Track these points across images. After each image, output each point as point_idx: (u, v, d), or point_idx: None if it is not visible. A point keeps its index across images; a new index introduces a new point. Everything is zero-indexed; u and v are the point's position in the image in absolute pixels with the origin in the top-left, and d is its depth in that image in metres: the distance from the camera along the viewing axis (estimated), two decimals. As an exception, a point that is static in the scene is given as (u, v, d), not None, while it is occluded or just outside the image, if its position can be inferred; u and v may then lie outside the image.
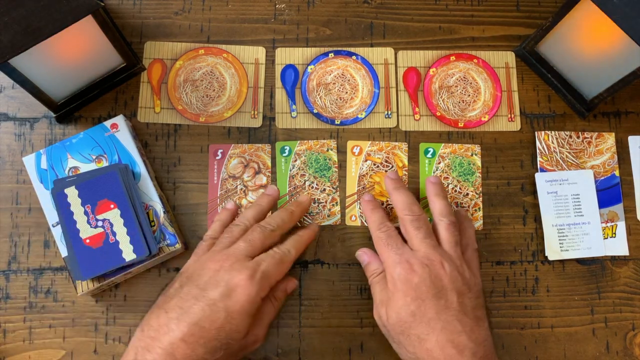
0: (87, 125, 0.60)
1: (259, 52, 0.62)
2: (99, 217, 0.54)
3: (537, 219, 0.60)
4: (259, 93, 0.62)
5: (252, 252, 0.50)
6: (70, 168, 0.56)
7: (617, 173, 0.61)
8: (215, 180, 0.59)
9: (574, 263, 0.59)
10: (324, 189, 0.59)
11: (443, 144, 0.60)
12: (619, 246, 0.59)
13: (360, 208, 0.58)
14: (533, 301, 0.58)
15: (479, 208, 0.59)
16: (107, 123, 0.57)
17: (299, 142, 0.59)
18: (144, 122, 0.60)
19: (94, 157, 0.56)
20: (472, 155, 0.60)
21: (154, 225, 0.55)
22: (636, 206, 0.60)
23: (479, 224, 0.59)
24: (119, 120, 0.57)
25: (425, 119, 0.61)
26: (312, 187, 0.59)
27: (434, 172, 0.59)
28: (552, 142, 0.61)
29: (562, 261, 0.59)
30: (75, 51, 0.54)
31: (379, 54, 0.63)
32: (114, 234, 0.53)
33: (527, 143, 0.61)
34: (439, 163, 0.60)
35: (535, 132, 0.61)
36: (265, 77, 0.62)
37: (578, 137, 0.61)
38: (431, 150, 0.60)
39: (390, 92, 0.62)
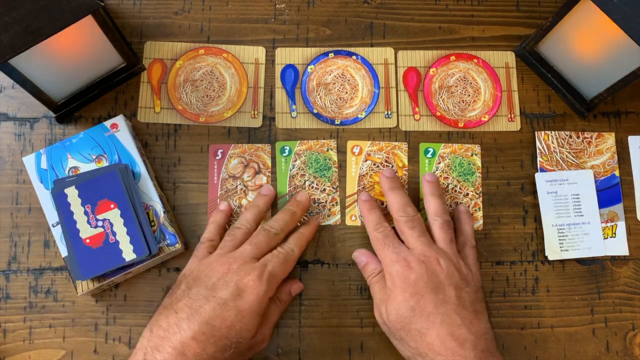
0: (87, 125, 0.60)
1: (259, 52, 0.62)
2: (99, 217, 0.54)
3: (537, 219, 0.60)
4: (259, 93, 0.62)
5: (258, 255, 0.51)
6: (70, 168, 0.56)
7: (617, 173, 0.61)
8: (215, 180, 0.59)
9: (574, 263, 0.59)
10: (324, 189, 0.59)
11: (443, 144, 0.60)
12: (619, 246, 0.59)
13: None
14: (533, 301, 0.58)
15: (479, 208, 0.59)
16: (107, 123, 0.57)
17: (299, 142, 0.59)
18: (144, 122, 0.60)
19: (94, 157, 0.56)
20: (472, 155, 0.60)
21: (154, 225, 0.55)
22: (636, 206, 0.60)
23: (479, 223, 0.59)
24: (119, 120, 0.57)
25: (425, 119, 0.61)
26: (312, 187, 0.59)
27: (433, 172, 0.60)
28: (552, 142, 0.61)
29: (562, 261, 0.59)
30: (75, 51, 0.54)
31: (379, 54, 0.63)
32: (114, 234, 0.53)
33: (527, 143, 0.61)
34: (439, 163, 0.60)
35: (535, 132, 0.61)
36: (265, 77, 0.62)
37: (578, 137, 0.61)
38: (431, 150, 0.60)
39: (390, 92, 0.62)
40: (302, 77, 0.62)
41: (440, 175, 0.59)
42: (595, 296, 0.58)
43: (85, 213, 0.54)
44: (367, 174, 0.59)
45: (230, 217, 0.58)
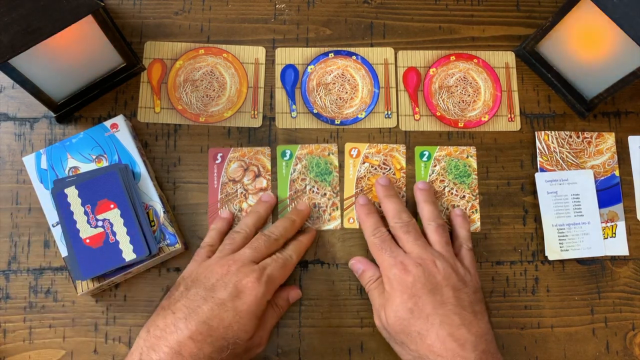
0: (87, 125, 0.60)
1: (259, 52, 0.62)
2: (99, 217, 0.54)
3: (537, 219, 0.60)
4: (259, 93, 0.62)
5: (257, 258, 0.52)
6: (70, 168, 0.56)
7: (617, 173, 0.61)
8: (215, 184, 0.59)
9: (574, 263, 0.59)
10: (325, 194, 0.58)
11: (438, 147, 0.60)
12: (619, 246, 0.59)
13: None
14: (533, 301, 0.58)
15: (476, 210, 0.59)
16: (107, 123, 0.57)
17: (300, 146, 0.59)
18: (144, 122, 0.60)
19: (94, 157, 0.56)
20: (467, 157, 0.60)
21: (154, 225, 0.55)
22: (636, 206, 0.60)
23: (476, 225, 0.59)
24: (119, 120, 0.57)
25: (425, 119, 0.61)
26: (313, 192, 0.59)
27: (429, 175, 0.59)
28: (552, 142, 0.61)
29: (562, 261, 0.59)
30: (75, 51, 0.54)
31: (379, 54, 0.63)
32: (114, 234, 0.53)
33: (527, 143, 0.61)
34: (435, 166, 0.59)
35: (535, 132, 0.61)
36: (265, 77, 0.62)
37: (578, 137, 0.61)
38: (426, 153, 0.60)
39: (390, 92, 0.62)
40: (302, 77, 0.62)
41: (437, 179, 0.59)
42: (595, 296, 0.58)
43: (85, 213, 0.54)
44: (365, 176, 0.59)
45: (233, 224, 0.58)
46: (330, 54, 0.63)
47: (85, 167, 0.56)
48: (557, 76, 0.61)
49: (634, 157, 0.61)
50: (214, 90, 0.61)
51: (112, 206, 0.54)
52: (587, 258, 0.59)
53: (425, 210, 0.55)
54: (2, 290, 0.56)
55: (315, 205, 0.58)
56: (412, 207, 0.58)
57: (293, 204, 0.58)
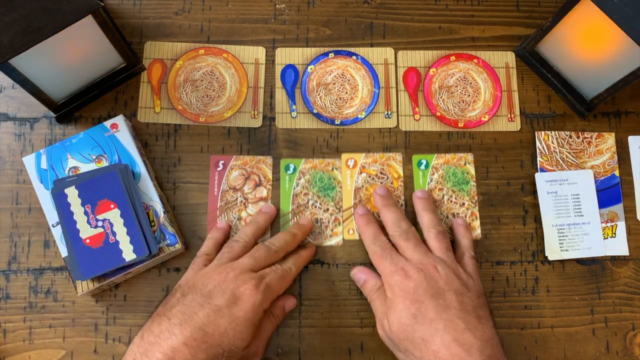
0: (87, 125, 0.60)
1: (259, 52, 0.62)
2: (99, 217, 0.54)
3: (537, 219, 0.60)
4: (259, 93, 0.62)
5: (256, 268, 0.51)
6: (70, 168, 0.56)
7: (617, 173, 0.61)
8: (215, 191, 0.58)
9: (574, 263, 0.59)
10: (327, 209, 0.58)
11: (436, 155, 0.60)
12: (619, 246, 0.59)
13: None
14: (533, 301, 0.58)
15: (476, 217, 0.59)
16: (107, 123, 0.57)
17: (303, 160, 0.59)
18: (144, 122, 0.60)
19: (94, 157, 0.56)
20: (465, 164, 0.60)
21: (154, 225, 0.55)
22: (636, 206, 0.60)
23: (476, 233, 0.59)
24: (119, 120, 0.57)
25: (425, 119, 0.61)
26: (315, 207, 0.58)
27: (428, 184, 0.59)
28: (552, 142, 0.61)
29: (562, 261, 0.59)
30: (75, 51, 0.54)
31: (379, 54, 0.63)
32: (114, 234, 0.53)
33: (527, 143, 0.61)
34: (433, 174, 0.59)
35: (535, 132, 0.61)
36: (265, 77, 0.62)
37: (578, 137, 0.61)
38: (424, 162, 0.59)
39: (390, 92, 0.62)
40: (302, 77, 0.62)
41: (435, 187, 0.59)
42: (595, 296, 0.58)
43: (85, 213, 0.54)
44: (362, 186, 0.59)
45: (229, 234, 0.58)
46: (330, 54, 0.63)
47: (85, 167, 0.56)
48: (557, 76, 0.61)
49: (634, 157, 0.61)
50: (214, 90, 0.61)
51: (112, 206, 0.54)
52: (587, 258, 0.59)
53: (425, 218, 0.55)
54: (2, 290, 0.56)
55: (317, 221, 0.58)
56: (411, 216, 0.58)
57: (295, 218, 0.58)
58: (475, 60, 0.63)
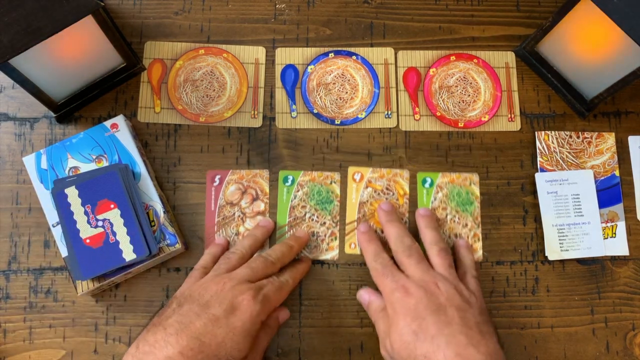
0: (87, 125, 0.60)
1: (259, 52, 0.62)
2: (99, 217, 0.54)
3: (537, 219, 0.60)
4: (259, 93, 0.62)
5: (254, 279, 0.51)
6: (70, 168, 0.56)
7: (617, 173, 0.61)
8: (212, 207, 0.58)
9: (574, 263, 0.59)
10: (324, 222, 0.58)
11: (441, 173, 0.59)
12: (619, 246, 0.59)
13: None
14: (533, 301, 0.58)
15: (479, 238, 0.58)
16: (107, 123, 0.57)
17: (302, 172, 0.59)
18: (144, 122, 0.60)
19: (94, 157, 0.56)
20: (470, 184, 0.59)
21: (154, 225, 0.55)
22: (636, 206, 0.60)
23: (479, 254, 0.58)
24: (119, 120, 0.57)
25: (425, 119, 0.61)
26: (312, 220, 0.58)
27: (432, 203, 0.59)
28: (552, 142, 0.61)
29: (562, 261, 0.59)
30: (75, 51, 0.54)
31: (379, 54, 0.63)
32: (114, 234, 0.53)
33: (527, 143, 0.61)
34: (437, 193, 0.59)
35: (535, 132, 0.61)
36: (265, 77, 0.62)
37: (578, 137, 0.61)
38: (429, 180, 0.59)
39: (390, 92, 0.62)
40: (302, 77, 0.62)
41: (439, 206, 0.58)
42: (595, 296, 0.58)
43: (85, 213, 0.54)
44: (367, 201, 0.58)
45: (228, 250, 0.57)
46: (330, 54, 0.63)
47: (85, 167, 0.56)
48: (557, 76, 0.61)
49: (634, 157, 0.61)
50: (214, 90, 0.61)
51: (112, 206, 0.54)
52: (587, 258, 0.59)
53: (428, 235, 0.55)
54: (2, 290, 0.56)
55: (313, 234, 0.58)
56: (414, 234, 0.56)
57: (292, 230, 0.58)
58: (475, 60, 0.63)
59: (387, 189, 0.58)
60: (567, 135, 0.61)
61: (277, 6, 0.64)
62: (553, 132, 0.61)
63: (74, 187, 0.54)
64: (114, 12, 0.63)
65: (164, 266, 0.57)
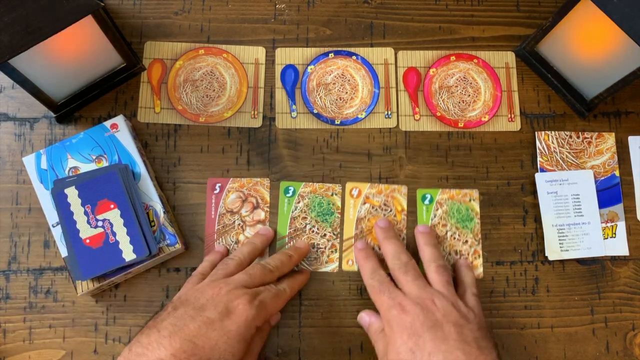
0: (87, 125, 0.60)
1: (259, 52, 0.62)
2: (99, 217, 0.54)
3: (537, 219, 0.60)
4: (259, 93, 0.62)
5: (251, 285, 0.50)
6: (70, 168, 0.56)
7: (617, 173, 0.61)
8: (212, 214, 0.58)
9: (574, 263, 0.59)
10: (325, 234, 0.58)
11: (440, 190, 0.59)
12: (619, 246, 0.59)
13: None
14: (533, 301, 0.58)
15: (479, 255, 0.58)
16: (107, 123, 0.57)
17: (303, 184, 0.58)
18: (144, 122, 0.60)
19: (94, 157, 0.56)
20: (470, 200, 0.59)
21: (154, 225, 0.55)
22: (636, 206, 0.60)
23: (479, 271, 0.58)
24: (119, 120, 0.57)
25: (425, 119, 0.61)
26: (313, 231, 0.58)
27: (432, 219, 0.58)
28: (552, 142, 0.61)
29: (562, 261, 0.59)
30: (75, 51, 0.54)
31: (379, 54, 0.63)
32: (114, 234, 0.53)
33: (527, 143, 0.61)
34: (437, 210, 0.59)
35: (535, 132, 0.61)
36: (265, 77, 0.62)
37: (578, 137, 0.61)
38: (429, 196, 0.59)
39: (390, 92, 0.62)
40: (302, 77, 0.62)
41: (439, 222, 0.58)
42: (595, 296, 0.58)
43: (85, 213, 0.54)
44: (365, 217, 0.58)
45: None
46: (330, 54, 0.63)
47: (85, 167, 0.56)
48: (557, 76, 0.61)
49: (634, 157, 0.61)
50: (214, 90, 0.61)
51: (112, 206, 0.54)
52: (587, 258, 0.59)
53: (427, 252, 0.54)
54: (2, 290, 0.56)
55: (313, 246, 0.58)
56: (413, 251, 0.56)
57: (292, 242, 0.58)
58: (475, 60, 0.63)
59: (384, 204, 0.58)
60: (567, 135, 0.61)
61: (277, 6, 0.64)
62: (553, 132, 0.61)
63: (73, 187, 0.54)
64: (114, 12, 0.63)
65: (163, 266, 0.57)
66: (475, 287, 0.54)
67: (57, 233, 0.55)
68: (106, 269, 0.53)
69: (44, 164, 0.56)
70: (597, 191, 0.60)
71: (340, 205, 0.58)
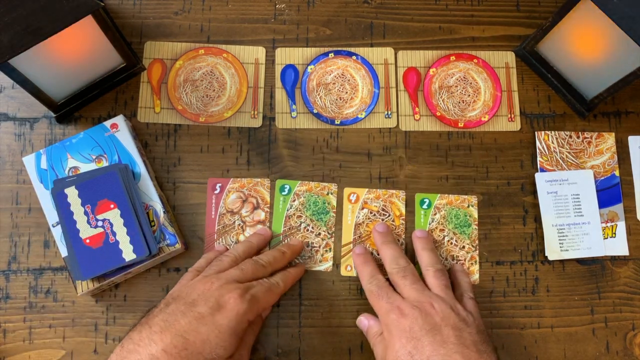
0: (87, 125, 0.60)
1: (259, 52, 0.62)
2: (99, 217, 0.54)
3: (537, 219, 0.60)
4: (259, 93, 0.62)
5: (243, 280, 0.50)
6: (70, 168, 0.56)
7: (617, 173, 0.61)
8: (213, 214, 0.58)
9: (574, 263, 0.59)
10: (319, 233, 0.58)
11: (439, 195, 0.59)
12: (619, 246, 0.59)
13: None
14: (533, 301, 0.58)
15: (476, 261, 0.58)
16: (107, 123, 0.57)
17: (299, 182, 0.58)
18: (144, 122, 0.60)
19: (94, 157, 0.56)
20: (468, 206, 0.59)
21: (154, 225, 0.55)
22: (636, 206, 0.60)
23: (475, 277, 0.58)
24: (119, 120, 0.57)
25: (425, 119, 0.61)
26: (308, 230, 0.58)
27: (429, 224, 0.58)
28: (552, 142, 0.61)
29: (562, 261, 0.59)
30: (75, 51, 0.54)
31: (379, 54, 0.63)
32: (114, 234, 0.53)
33: (527, 143, 0.61)
34: (435, 214, 0.59)
35: (535, 132, 0.61)
36: (265, 77, 0.62)
37: (578, 137, 0.61)
38: (427, 201, 0.59)
39: (390, 92, 0.62)
40: (302, 77, 0.62)
41: (436, 227, 0.58)
42: (595, 296, 0.58)
43: (85, 213, 0.54)
44: (363, 222, 0.58)
45: None
46: (330, 54, 0.63)
47: (85, 167, 0.56)
48: (557, 76, 0.61)
49: (634, 157, 0.61)
50: (214, 90, 0.61)
51: (112, 206, 0.54)
52: (587, 258, 0.59)
53: (424, 256, 0.55)
54: (2, 290, 0.56)
55: (308, 244, 0.58)
56: (411, 256, 0.56)
57: (286, 240, 0.58)
58: (475, 60, 0.63)
59: (382, 209, 0.58)
60: (567, 135, 0.61)
61: (277, 6, 0.64)
62: (553, 132, 0.61)
63: (73, 187, 0.54)
64: (114, 12, 0.63)
65: (163, 266, 0.57)
66: (472, 292, 0.54)
67: (57, 233, 0.55)
68: (106, 269, 0.53)
69: (44, 164, 0.56)
70: (597, 191, 0.60)
71: (335, 205, 0.58)
